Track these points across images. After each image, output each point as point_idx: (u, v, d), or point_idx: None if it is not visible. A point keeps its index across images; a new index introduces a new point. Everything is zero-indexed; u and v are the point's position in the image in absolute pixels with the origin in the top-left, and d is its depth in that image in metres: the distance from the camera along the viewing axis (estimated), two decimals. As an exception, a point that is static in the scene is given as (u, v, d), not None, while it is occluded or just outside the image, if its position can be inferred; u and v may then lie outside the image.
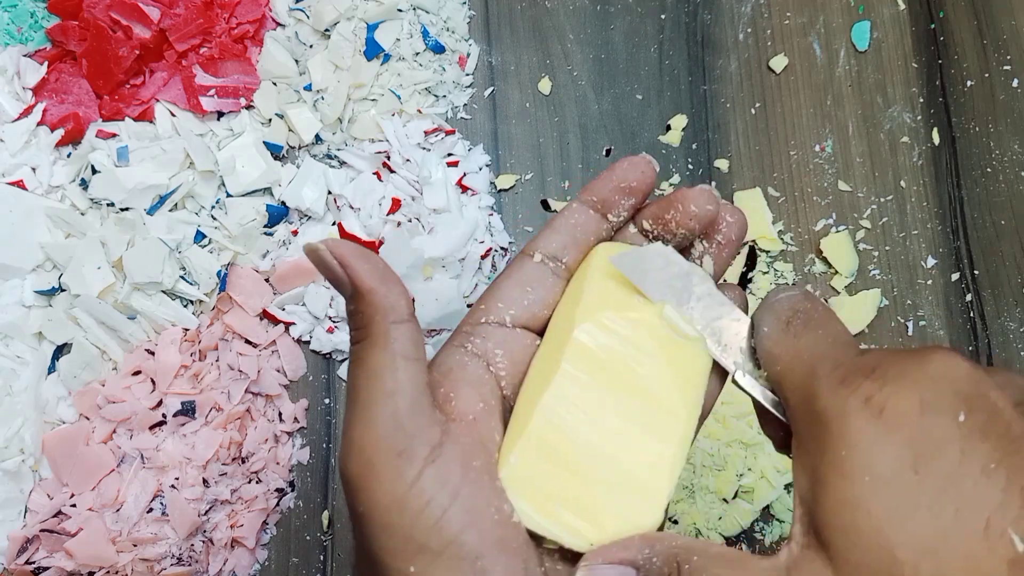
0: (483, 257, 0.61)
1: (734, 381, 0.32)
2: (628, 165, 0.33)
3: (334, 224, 0.60)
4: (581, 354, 0.31)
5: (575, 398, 0.30)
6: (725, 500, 0.59)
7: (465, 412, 0.30)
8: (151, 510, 0.55)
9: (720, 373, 0.33)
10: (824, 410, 0.27)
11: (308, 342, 0.60)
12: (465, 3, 0.66)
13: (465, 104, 0.65)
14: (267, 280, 0.60)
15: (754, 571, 0.27)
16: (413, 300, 0.31)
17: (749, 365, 0.31)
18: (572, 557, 0.30)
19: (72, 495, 0.55)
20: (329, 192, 0.61)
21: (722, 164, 0.65)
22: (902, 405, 0.25)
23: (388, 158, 0.61)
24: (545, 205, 0.64)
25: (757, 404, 0.32)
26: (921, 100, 0.67)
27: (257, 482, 0.57)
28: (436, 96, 0.64)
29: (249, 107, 0.62)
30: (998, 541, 0.23)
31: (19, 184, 0.58)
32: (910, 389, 0.26)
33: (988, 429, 0.25)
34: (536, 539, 0.30)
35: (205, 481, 0.55)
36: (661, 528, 0.30)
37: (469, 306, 0.61)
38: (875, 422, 0.25)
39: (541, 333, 0.33)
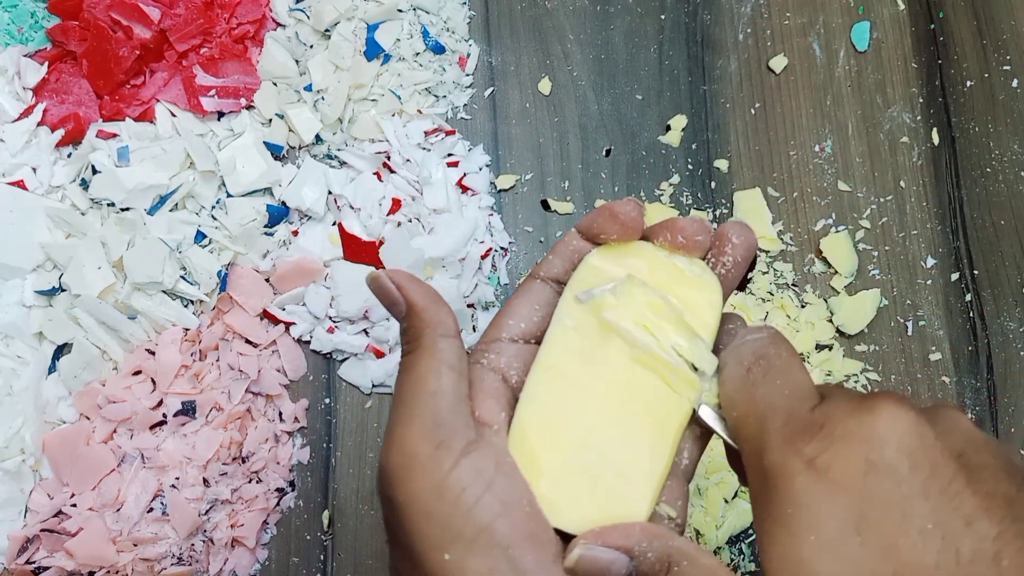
0: (483, 257, 0.61)
1: (696, 415, 0.32)
2: (624, 216, 0.34)
3: (334, 224, 0.60)
4: (560, 347, 0.32)
5: (564, 381, 0.32)
6: (725, 500, 0.59)
7: (490, 421, 0.31)
8: (151, 510, 0.55)
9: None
10: (771, 466, 0.27)
11: (308, 342, 0.61)
12: (465, 3, 0.66)
13: (465, 104, 0.65)
14: (267, 280, 0.60)
15: None
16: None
17: (714, 398, 0.32)
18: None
19: (72, 495, 0.55)
20: (329, 192, 0.61)
21: (722, 164, 0.65)
22: (847, 466, 0.26)
23: (388, 158, 0.61)
24: (545, 205, 0.64)
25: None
26: (921, 100, 0.67)
27: (257, 482, 0.57)
28: (436, 96, 0.64)
29: (249, 107, 0.62)
30: None
31: (19, 184, 0.58)
32: (856, 449, 0.26)
33: (929, 487, 0.25)
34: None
35: (205, 481, 0.55)
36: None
37: (470, 306, 0.61)
38: (820, 483, 0.26)
39: None
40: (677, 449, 0.32)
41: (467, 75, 0.65)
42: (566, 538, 0.30)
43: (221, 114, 0.62)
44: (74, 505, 0.54)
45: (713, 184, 0.65)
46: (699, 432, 0.33)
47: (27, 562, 0.54)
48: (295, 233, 0.61)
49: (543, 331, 0.33)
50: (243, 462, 0.57)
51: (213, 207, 0.60)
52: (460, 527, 0.28)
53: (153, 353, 0.57)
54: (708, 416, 0.32)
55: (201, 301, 0.59)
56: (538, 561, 0.29)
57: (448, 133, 0.63)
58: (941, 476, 0.25)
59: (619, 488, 0.31)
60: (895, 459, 0.26)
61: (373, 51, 0.62)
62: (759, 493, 0.28)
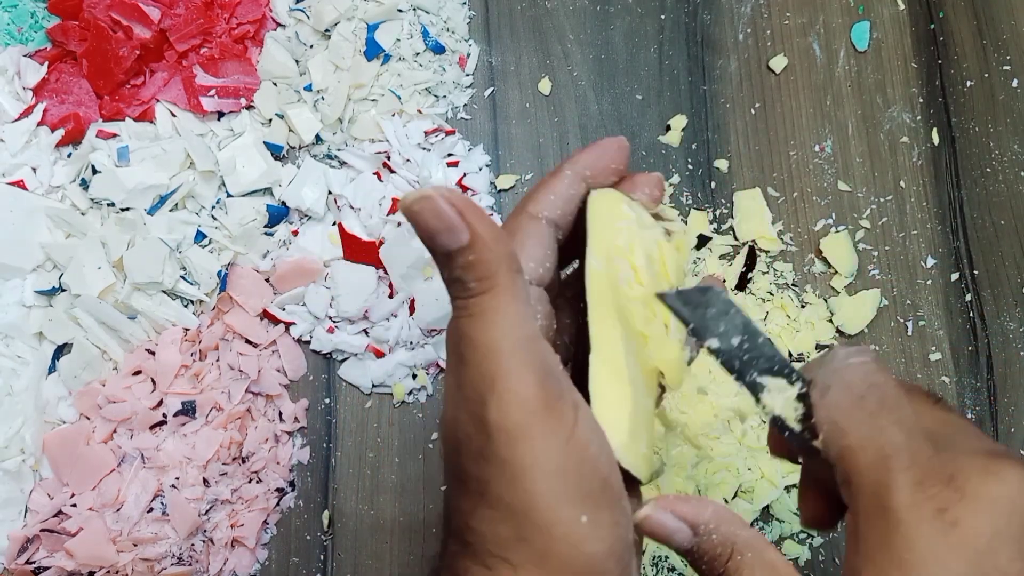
0: (483, 257, 0.61)
1: (782, 433, 0.32)
2: (617, 149, 0.34)
3: (334, 224, 0.60)
4: (599, 288, 0.32)
5: (614, 338, 0.31)
6: (725, 500, 0.59)
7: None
8: (151, 510, 0.55)
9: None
10: (896, 508, 0.27)
11: (308, 342, 0.61)
12: (465, 3, 0.66)
13: (465, 104, 0.65)
14: (267, 280, 0.60)
15: None
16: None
17: (796, 425, 0.31)
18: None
19: (72, 495, 0.55)
20: (329, 192, 0.61)
21: (722, 164, 0.65)
22: (976, 525, 0.26)
23: (388, 158, 0.61)
24: (545, 205, 0.64)
25: (803, 465, 0.32)
26: (921, 100, 0.67)
27: (257, 482, 0.57)
28: (436, 96, 0.64)
29: (249, 107, 0.62)
30: None
31: (19, 184, 0.58)
32: (986, 510, 0.26)
33: None
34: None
35: (205, 481, 0.55)
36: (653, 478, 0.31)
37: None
38: (946, 535, 0.26)
39: (549, 289, 0.33)
40: None
41: (467, 75, 0.65)
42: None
43: (221, 114, 0.62)
44: (74, 505, 0.54)
45: (713, 184, 0.65)
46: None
47: (27, 562, 0.54)
48: (295, 233, 0.61)
49: (552, 277, 0.32)
50: (243, 462, 0.57)
51: (213, 207, 0.60)
52: (590, 484, 0.27)
53: (153, 353, 0.57)
54: (793, 440, 0.31)
55: (201, 301, 0.59)
56: (629, 513, 0.29)
57: (448, 133, 0.63)
58: None
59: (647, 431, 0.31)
60: (1020, 529, 0.26)
61: (373, 51, 0.62)
62: (870, 531, 0.28)
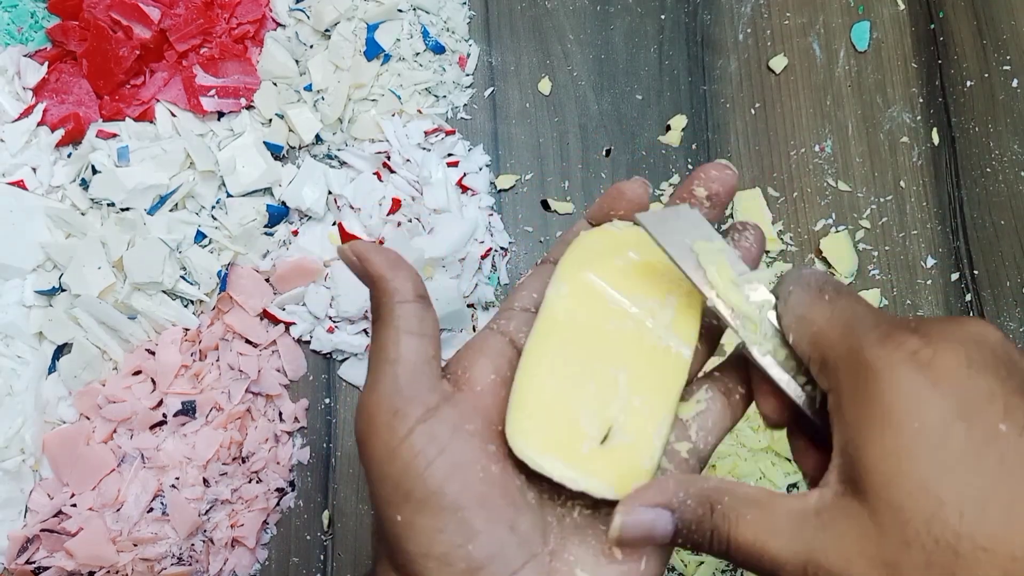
0: (483, 257, 0.61)
1: (745, 352, 0.32)
2: (631, 193, 0.36)
3: (334, 224, 0.60)
4: (556, 312, 0.33)
5: (558, 353, 0.32)
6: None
7: (475, 382, 0.32)
8: (151, 510, 0.55)
9: (708, 341, 0.35)
10: (871, 361, 0.28)
11: (308, 342, 0.61)
12: (465, 3, 0.66)
13: (465, 104, 0.65)
14: (267, 280, 0.60)
15: (783, 512, 0.28)
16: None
17: (769, 344, 0.32)
18: (588, 507, 0.32)
19: (72, 495, 0.55)
20: (329, 192, 0.61)
21: (722, 164, 0.65)
22: (949, 360, 0.27)
23: (388, 158, 0.61)
24: (545, 205, 0.64)
25: (765, 386, 0.32)
26: (921, 100, 0.67)
27: (257, 482, 0.57)
28: (436, 96, 0.64)
29: (249, 107, 0.62)
30: None
31: (19, 184, 0.58)
32: (955, 347, 0.27)
33: None
34: (555, 495, 0.32)
35: (205, 481, 0.55)
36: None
37: (470, 306, 0.61)
38: (923, 374, 0.27)
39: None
40: (680, 420, 0.33)
41: (467, 75, 0.65)
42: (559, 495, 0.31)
43: (221, 114, 0.62)
44: (74, 505, 0.54)
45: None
46: (706, 398, 0.34)
47: (27, 562, 0.54)
48: (295, 233, 0.61)
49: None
50: (243, 462, 0.57)
51: (213, 207, 0.60)
52: (410, 488, 0.29)
53: (153, 353, 0.57)
54: (761, 357, 0.31)
55: (201, 301, 0.59)
56: (489, 521, 0.29)
57: (448, 133, 0.63)
58: None
59: (625, 448, 0.31)
60: (993, 360, 0.27)
61: (373, 51, 0.62)
62: (851, 395, 0.28)
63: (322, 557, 0.58)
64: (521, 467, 0.31)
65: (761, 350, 0.31)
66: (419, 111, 0.63)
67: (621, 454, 0.31)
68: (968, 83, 0.67)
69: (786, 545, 0.28)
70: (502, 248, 0.63)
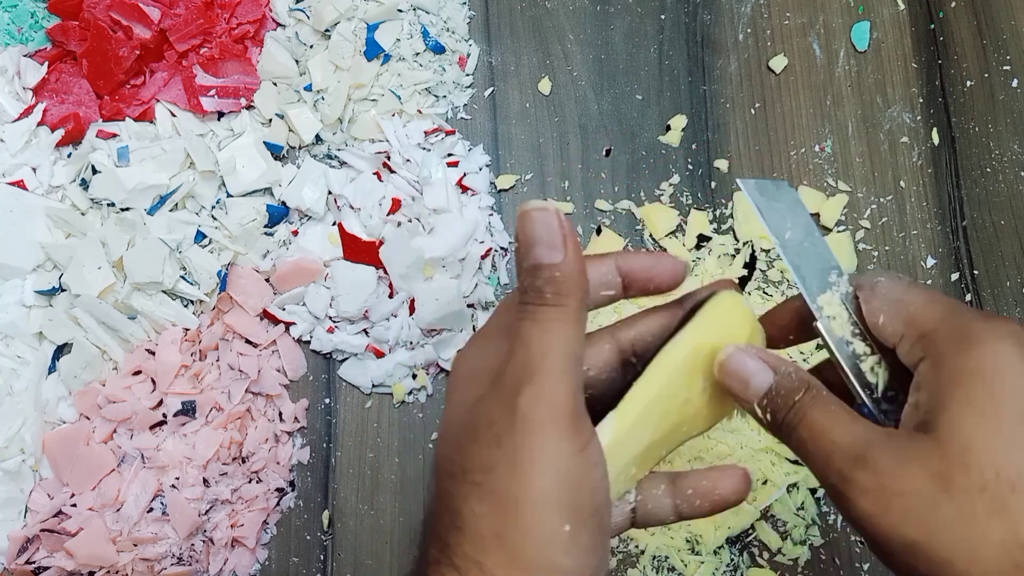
0: (483, 257, 0.61)
1: (816, 329, 0.34)
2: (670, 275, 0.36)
3: (334, 224, 0.60)
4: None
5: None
6: (725, 500, 0.59)
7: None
8: (151, 510, 0.55)
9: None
10: (977, 332, 0.30)
11: (308, 342, 0.60)
12: (465, 3, 0.66)
13: (465, 104, 0.65)
14: (267, 280, 0.60)
15: (858, 419, 0.31)
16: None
17: (847, 327, 0.34)
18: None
19: (72, 495, 0.55)
20: (329, 192, 0.61)
21: (722, 164, 0.65)
22: None
23: (388, 158, 0.61)
24: (545, 205, 0.64)
25: (834, 365, 0.34)
26: (921, 100, 0.67)
27: (257, 482, 0.57)
28: (436, 96, 0.64)
29: (249, 107, 0.62)
30: None
31: (19, 184, 0.58)
32: None
33: None
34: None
35: (205, 481, 0.55)
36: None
37: (470, 306, 0.61)
38: (1021, 352, 0.29)
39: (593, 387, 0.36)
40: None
41: (467, 75, 0.65)
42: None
43: (221, 114, 0.62)
44: (74, 505, 0.54)
45: (713, 184, 0.65)
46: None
47: (27, 562, 0.54)
48: (295, 233, 0.61)
49: (603, 381, 0.35)
50: (243, 462, 0.57)
51: (213, 207, 0.60)
52: (582, 500, 0.29)
53: (153, 353, 0.57)
54: (828, 331, 0.34)
55: (201, 301, 0.59)
56: (609, 536, 0.31)
57: (448, 133, 0.63)
58: None
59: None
60: None
61: (373, 51, 0.62)
62: (951, 357, 0.30)
63: (322, 557, 0.58)
64: None
65: (830, 327, 0.34)
66: (419, 111, 0.63)
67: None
68: (968, 83, 0.67)
69: (847, 437, 0.30)
70: (502, 248, 0.62)
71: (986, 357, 0.29)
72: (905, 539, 0.28)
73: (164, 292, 0.58)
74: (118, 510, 0.54)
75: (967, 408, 0.29)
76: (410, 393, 0.60)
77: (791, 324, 0.36)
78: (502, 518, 0.28)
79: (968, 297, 0.64)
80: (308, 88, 0.62)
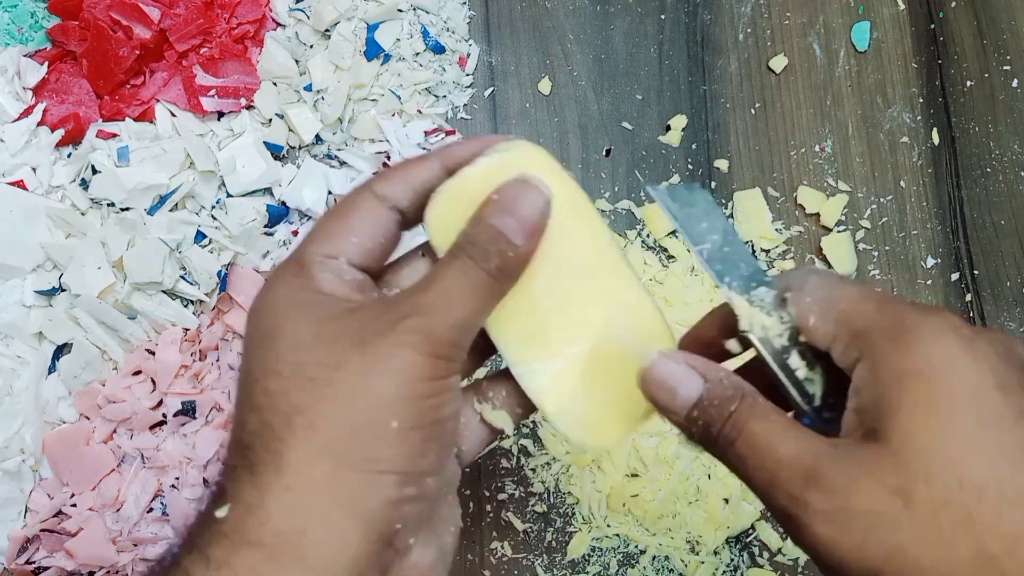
0: (483, 257, 0.61)
1: (745, 336, 0.32)
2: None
3: (334, 224, 0.60)
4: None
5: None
6: (726, 500, 0.59)
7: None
8: (151, 510, 0.55)
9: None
10: (914, 325, 0.28)
11: (308, 342, 0.60)
12: (465, 3, 0.66)
13: (465, 104, 0.65)
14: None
15: (801, 430, 0.29)
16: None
17: (778, 332, 0.32)
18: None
19: (72, 495, 0.55)
20: (329, 192, 0.61)
21: (722, 164, 0.65)
22: (985, 347, 0.28)
23: (388, 158, 0.61)
24: (545, 205, 0.64)
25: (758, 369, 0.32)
26: (921, 100, 0.67)
27: (257, 482, 0.57)
28: (436, 96, 0.64)
29: (249, 107, 0.62)
30: None
31: (19, 184, 0.58)
32: (991, 338, 0.28)
33: None
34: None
35: (205, 481, 0.55)
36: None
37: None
38: (965, 345, 0.28)
39: (374, 271, 0.34)
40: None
41: (467, 75, 0.65)
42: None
43: (221, 114, 0.62)
44: (74, 505, 0.54)
45: (713, 184, 0.65)
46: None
47: (27, 562, 0.54)
48: (295, 233, 0.61)
49: (380, 258, 0.34)
50: (243, 462, 0.57)
51: (213, 207, 0.60)
52: (424, 416, 0.29)
53: (153, 353, 0.57)
54: (758, 339, 0.32)
55: (201, 301, 0.59)
56: (452, 447, 0.32)
57: (448, 133, 0.63)
58: None
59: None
60: (1019, 365, 0.28)
61: (373, 51, 0.62)
62: (888, 355, 0.28)
63: (322, 557, 0.58)
64: None
65: (757, 330, 0.32)
66: (419, 111, 0.63)
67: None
68: (968, 83, 0.67)
69: (793, 452, 0.28)
70: (502, 248, 0.62)
71: (928, 355, 0.27)
72: (865, 564, 0.26)
73: (164, 292, 0.58)
74: (118, 510, 0.54)
75: (916, 412, 0.27)
76: (410, 393, 0.60)
77: (716, 337, 0.34)
78: (320, 406, 0.28)
79: (968, 297, 0.64)
80: (308, 88, 0.62)
